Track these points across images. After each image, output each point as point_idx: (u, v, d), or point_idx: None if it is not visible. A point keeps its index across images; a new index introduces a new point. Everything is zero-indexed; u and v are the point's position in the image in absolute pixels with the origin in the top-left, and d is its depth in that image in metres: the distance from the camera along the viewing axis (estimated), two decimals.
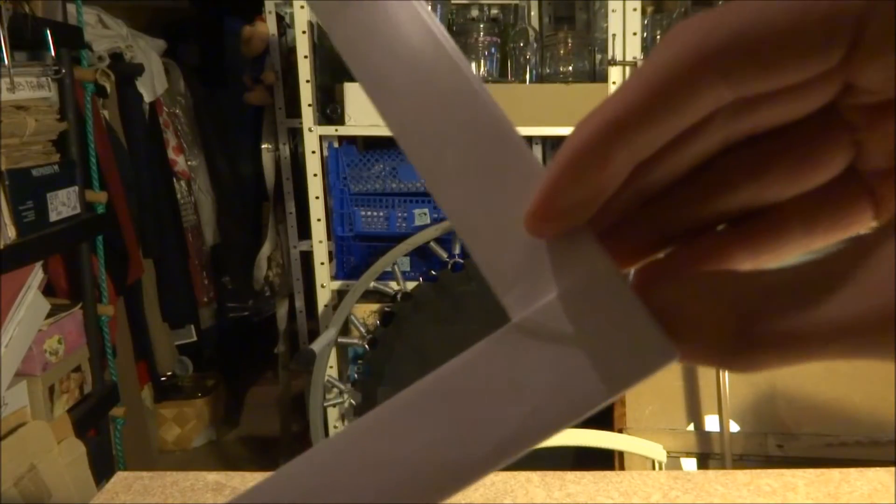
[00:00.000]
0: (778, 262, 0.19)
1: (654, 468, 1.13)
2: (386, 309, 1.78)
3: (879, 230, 0.16)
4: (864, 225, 0.18)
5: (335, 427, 1.91)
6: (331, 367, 1.85)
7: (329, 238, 1.89)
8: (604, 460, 1.47)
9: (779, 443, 1.46)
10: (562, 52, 1.86)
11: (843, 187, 0.18)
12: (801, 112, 0.17)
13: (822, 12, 0.15)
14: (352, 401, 1.83)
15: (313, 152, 1.82)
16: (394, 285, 1.76)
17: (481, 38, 1.81)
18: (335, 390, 1.85)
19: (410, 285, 1.77)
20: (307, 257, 2.33)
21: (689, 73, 0.15)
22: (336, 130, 1.81)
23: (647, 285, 0.18)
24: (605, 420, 1.47)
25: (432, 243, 1.72)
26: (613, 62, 1.72)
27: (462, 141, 0.18)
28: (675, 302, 0.17)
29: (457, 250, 1.74)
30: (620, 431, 1.44)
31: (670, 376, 1.51)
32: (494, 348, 0.17)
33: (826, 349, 0.16)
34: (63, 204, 1.66)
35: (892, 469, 0.74)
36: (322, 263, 1.87)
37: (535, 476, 0.77)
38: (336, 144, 1.94)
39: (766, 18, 0.15)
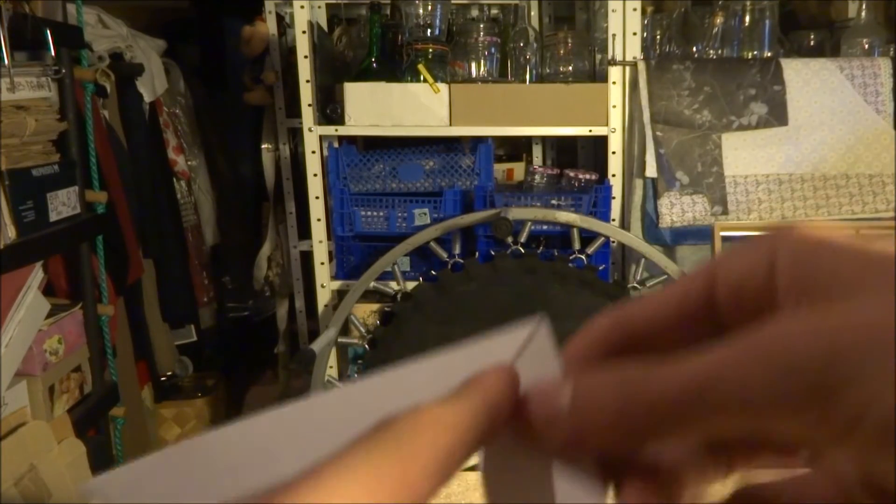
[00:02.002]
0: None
1: None
2: (386, 309, 1.78)
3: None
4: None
5: None
6: (331, 367, 1.85)
7: (329, 238, 1.89)
8: None
9: None
10: (562, 52, 1.86)
11: None
12: None
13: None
14: None
15: (313, 152, 1.82)
16: (394, 285, 1.76)
17: (481, 38, 1.80)
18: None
19: (410, 285, 1.77)
20: (307, 257, 2.33)
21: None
22: (336, 130, 1.81)
23: None
24: None
25: (432, 243, 1.72)
26: (613, 62, 1.72)
27: None
28: None
29: (457, 250, 1.74)
30: None
31: None
32: None
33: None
34: (63, 204, 1.66)
35: None
36: (322, 263, 1.87)
37: None
38: (336, 144, 1.94)
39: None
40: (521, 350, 0.20)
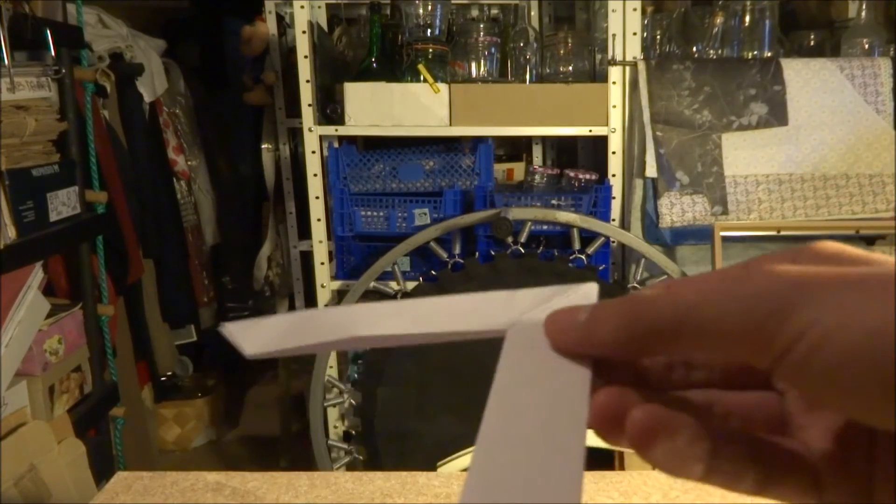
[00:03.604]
0: None
1: (654, 468, 1.12)
2: None
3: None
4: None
5: (335, 427, 1.91)
6: (331, 367, 1.85)
7: (329, 238, 1.89)
8: (604, 460, 1.47)
9: None
10: (562, 52, 1.86)
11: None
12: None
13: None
14: (352, 401, 1.83)
15: (313, 152, 1.82)
16: (394, 285, 1.76)
17: (481, 38, 1.80)
18: (335, 390, 1.85)
19: (410, 285, 1.77)
20: (307, 257, 2.33)
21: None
22: (336, 130, 1.81)
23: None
24: None
25: (432, 243, 1.72)
26: (613, 62, 1.72)
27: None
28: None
29: (457, 250, 1.74)
30: None
31: None
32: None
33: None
34: (63, 204, 1.66)
35: None
36: (322, 263, 1.87)
37: None
38: (336, 144, 1.94)
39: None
40: (567, 297, 0.26)
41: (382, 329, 0.25)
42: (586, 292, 0.26)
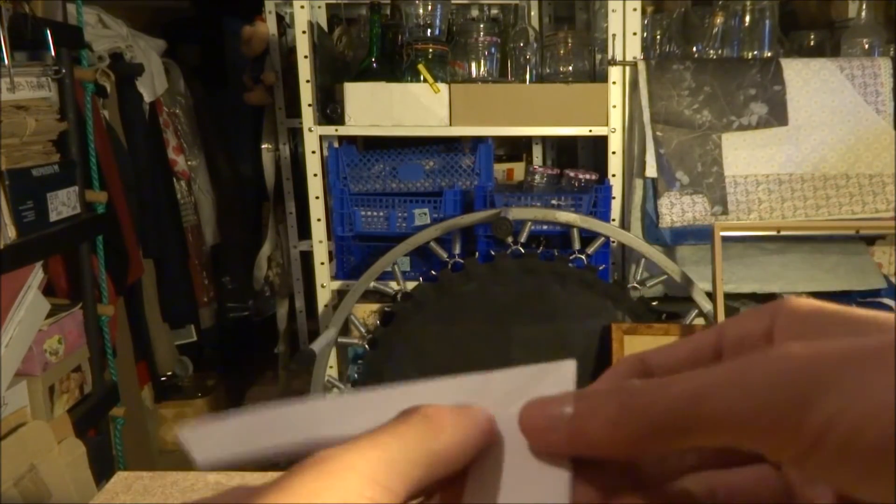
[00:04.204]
0: None
1: None
2: (386, 309, 1.78)
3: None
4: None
5: None
6: (331, 367, 1.85)
7: (329, 238, 1.89)
8: None
9: None
10: (562, 52, 1.86)
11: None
12: None
13: None
14: None
15: (313, 152, 1.82)
16: (394, 285, 1.76)
17: (481, 38, 1.80)
18: (335, 390, 1.85)
19: (410, 285, 1.77)
20: (307, 257, 2.33)
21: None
22: (336, 130, 1.81)
23: None
24: None
25: (432, 243, 1.72)
26: (613, 62, 1.72)
27: None
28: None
29: (457, 250, 1.74)
30: None
31: None
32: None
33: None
34: (63, 204, 1.66)
35: None
36: (322, 263, 1.87)
37: None
38: (336, 144, 1.94)
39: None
40: (543, 381, 0.24)
41: (347, 429, 0.24)
42: (562, 375, 0.24)
